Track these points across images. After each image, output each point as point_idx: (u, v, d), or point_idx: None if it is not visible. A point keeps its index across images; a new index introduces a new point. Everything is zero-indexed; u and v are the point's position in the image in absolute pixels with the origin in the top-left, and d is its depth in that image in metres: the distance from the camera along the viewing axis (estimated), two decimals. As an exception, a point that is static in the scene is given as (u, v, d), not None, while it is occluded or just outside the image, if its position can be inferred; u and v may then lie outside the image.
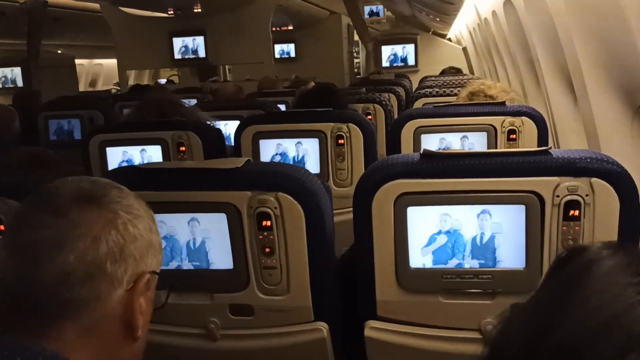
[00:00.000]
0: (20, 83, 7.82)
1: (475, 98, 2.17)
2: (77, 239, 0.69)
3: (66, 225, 0.70)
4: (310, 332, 1.25)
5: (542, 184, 1.09)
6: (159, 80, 10.70)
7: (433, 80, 4.38)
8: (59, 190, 0.73)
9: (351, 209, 2.11)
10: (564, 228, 1.09)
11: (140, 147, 2.21)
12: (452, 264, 1.16)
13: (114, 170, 1.36)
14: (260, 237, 1.21)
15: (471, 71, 7.51)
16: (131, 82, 9.10)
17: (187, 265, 1.26)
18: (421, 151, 1.18)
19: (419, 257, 1.17)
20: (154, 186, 1.22)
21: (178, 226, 1.23)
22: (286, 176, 1.20)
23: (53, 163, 1.47)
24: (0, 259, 0.70)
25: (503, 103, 2.07)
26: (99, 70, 12.36)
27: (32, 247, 0.69)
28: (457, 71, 5.14)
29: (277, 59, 8.37)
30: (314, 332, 1.25)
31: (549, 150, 1.13)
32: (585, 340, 0.42)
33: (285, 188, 1.18)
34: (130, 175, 1.25)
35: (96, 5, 7.21)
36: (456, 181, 1.12)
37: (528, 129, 1.99)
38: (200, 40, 7.59)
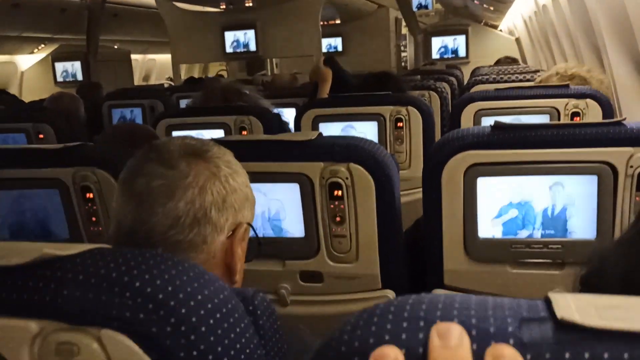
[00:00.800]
0: (80, 77, 8.16)
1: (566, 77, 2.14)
2: (186, 188, 0.76)
3: (177, 176, 0.77)
4: (378, 300, 1.29)
5: (616, 154, 1.09)
6: (208, 75, 10.93)
7: (487, 69, 4.33)
8: (168, 145, 0.81)
9: (410, 191, 2.15)
10: (638, 198, 1.09)
11: (204, 131, 2.30)
12: (521, 235, 1.17)
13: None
14: (332, 206, 1.26)
15: (524, 62, 7.36)
16: (183, 76, 9.34)
17: (261, 233, 1.32)
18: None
19: (488, 228, 1.19)
20: (231, 157, 1.28)
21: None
22: (357, 148, 1.25)
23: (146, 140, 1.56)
24: (116, 206, 0.78)
25: (567, 85, 2.05)
26: (152, 65, 12.73)
27: (146, 194, 0.76)
28: (513, 61, 5.01)
29: (325, 53, 8.40)
30: (381, 299, 1.29)
31: (623, 122, 1.13)
32: None
33: (357, 159, 1.23)
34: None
35: (151, 1, 7.44)
36: (527, 152, 1.13)
37: (593, 112, 1.96)
38: (251, 34, 7.71)
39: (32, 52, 8.62)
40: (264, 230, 1.32)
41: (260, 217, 1.31)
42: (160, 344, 0.42)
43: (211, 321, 0.43)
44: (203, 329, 0.43)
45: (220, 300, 0.45)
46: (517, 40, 8.00)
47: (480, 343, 0.32)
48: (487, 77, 3.10)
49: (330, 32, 9.31)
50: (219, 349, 0.43)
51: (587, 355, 0.30)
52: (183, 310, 0.43)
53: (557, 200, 1.14)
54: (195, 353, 0.42)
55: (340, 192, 1.25)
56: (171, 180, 0.76)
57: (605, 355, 0.30)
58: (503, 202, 1.17)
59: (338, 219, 1.26)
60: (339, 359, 0.35)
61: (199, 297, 0.44)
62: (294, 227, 1.30)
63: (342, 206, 1.25)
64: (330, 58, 2.93)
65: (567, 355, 0.30)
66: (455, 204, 1.19)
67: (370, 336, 0.34)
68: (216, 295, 0.45)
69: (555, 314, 0.33)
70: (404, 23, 9.49)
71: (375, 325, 0.35)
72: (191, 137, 0.85)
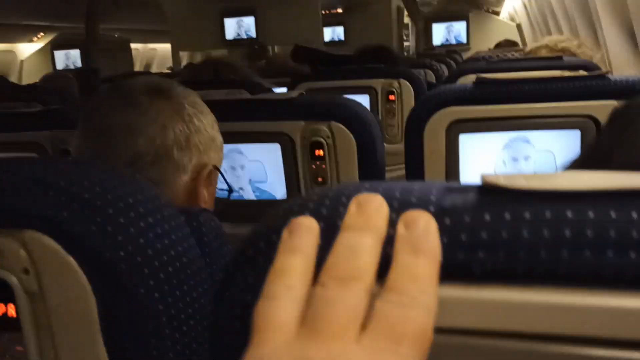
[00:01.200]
0: (79, 65, 8.15)
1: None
2: (147, 124, 0.74)
3: (137, 113, 0.75)
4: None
5: (599, 108, 1.07)
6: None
7: (485, 53, 4.29)
8: (131, 83, 0.79)
9: (402, 165, 2.13)
10: (622, 153, 1.07)
11: (194, 106, 2.28)
12: (504, 193, 1.15)
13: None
14: (313, 166, 1.24)
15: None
16: (184, 64, 9.30)
17: (243, 197, 1.30)
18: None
19: (471, 186, 1.16)
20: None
21: (233, 155, 1.27)
22: (338, 106, 1.22)
23: None
24: (76, 143, 0.76)
25: (560, 57, 2.02)
26: (152, 54, 12.70)
27: (106, 131, 0.74)
28: (513, 44, 4.96)
29: (327, 42, 8.34)
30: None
31: (607, 75, 1.10)
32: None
33: (338, 117, 1.20)
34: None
35: (151, -13, 7.40)
36: (510, 107, 1.11)
37: (585, 82, 1.93)
38: (250, 21, 7.67)
39: (31, 41, 8.61)
40: (246, 193, 1.30)
41: (242, 179, 1.29)
42: (84, 244, 0.40)
43: (142, 224, 0.41)
44: (132, 230, 0.41)
45: (154, 206, 0.43)
46: (518, 26, 7.93)
47: (399, 212, 0.30)
48: (483, 55, 3.07)
49: (332, 21, 9.25)
50: (149, 251, 0.41)
51: (507, 216, 0.28)
52: (110, 211, 0.41)
53: (539, 157, 1.12)
54: (122, 254, 0.40)
55: (322, 152, 1.23)
56: (131, 116, 0.75)
57: (527, 215, 0.28)
58: (485, 159, 1.14)
59: (320, 179, 1.24)
60: (259, 239, 0.33)
61: (130, 200, 0.42)
62: (276, 189, 1.28)
63: (323, 166, 1.23)
64: (296, 51, 2.68)
65: (486, 217, 0.29)
66: (437, 162, 1.16)
67: (290, 215, 0.33)
68: (150, 201, 0.43)
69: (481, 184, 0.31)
70: (406, 12, 9.42)
71: (297, 205, 0.33)
72: (156, 77, 0.83)
